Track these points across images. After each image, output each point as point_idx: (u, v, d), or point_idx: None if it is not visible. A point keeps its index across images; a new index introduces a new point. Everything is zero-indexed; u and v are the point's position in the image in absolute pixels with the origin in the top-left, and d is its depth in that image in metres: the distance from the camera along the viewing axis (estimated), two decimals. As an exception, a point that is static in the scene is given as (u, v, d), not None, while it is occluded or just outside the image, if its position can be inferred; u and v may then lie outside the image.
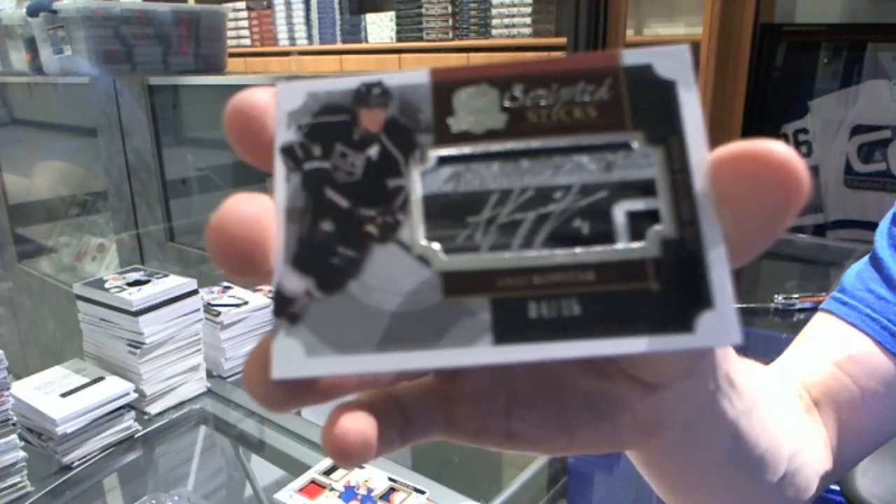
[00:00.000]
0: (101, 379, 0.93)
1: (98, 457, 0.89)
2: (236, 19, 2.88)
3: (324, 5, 2.62)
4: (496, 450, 0.20)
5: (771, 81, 1.48)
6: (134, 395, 0.92)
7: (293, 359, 0.15)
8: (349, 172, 0.16)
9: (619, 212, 0.15)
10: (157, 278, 1.00)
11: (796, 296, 1.06)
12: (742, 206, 0.14)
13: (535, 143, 0.16)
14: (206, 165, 1.71)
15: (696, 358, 0.20)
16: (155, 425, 0.96)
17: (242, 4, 2.88)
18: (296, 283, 0.15)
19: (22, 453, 0.79)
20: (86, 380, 0.93)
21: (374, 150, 0.16)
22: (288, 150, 0.16)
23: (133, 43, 1.55)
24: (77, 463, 0.87)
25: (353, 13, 2.61)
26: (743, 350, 0.20)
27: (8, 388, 0.77)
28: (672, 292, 0.14)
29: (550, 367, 0.20)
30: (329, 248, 0.15)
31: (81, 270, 1.72)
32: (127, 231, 1.60)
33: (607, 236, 0.15)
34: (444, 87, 0.16)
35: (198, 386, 1.02)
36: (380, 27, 2.48)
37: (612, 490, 1.03)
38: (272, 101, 0.16)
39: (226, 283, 1.19)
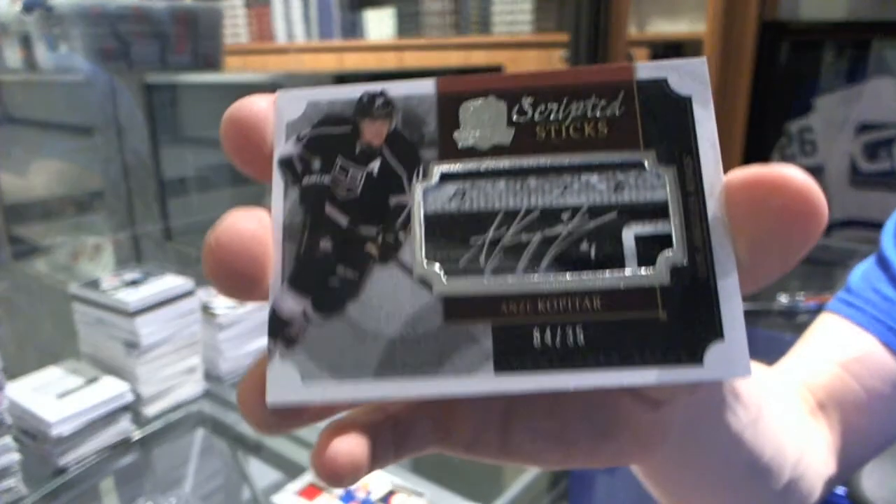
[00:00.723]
0: (97, 380, 0.92)
1: (94, 459, 0.88)
2: (234, 16, 2.87)
3: (322, 2, 2.61)
4: (492, 462, 0.20)
5: (775, 79, 1.47)
6: (131, 397, 0.91)
7: (289, 385, 0.14)
8: (349, 188, 0.15)
9: (629, 235, 0.15)
10: (154, 278, 1.00)
11: (800, 296, 1.06)
12: (757, 234, 0.14)
13: (542, 161, 0.15)
14: (204, 164, 1.70)
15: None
16: (152, 427, 0.95)
17: (240, 1, 2.87)
18: (292, 305, 0.15)
19: (17, 455, 0.79)
20: (82, 381, 0.92)
21: (375, 165, 0.15)
22: (286, 163, 0.16)
23: (129, 40, 1.54)
24: (73, 465, 0.86)
25: (352, 10, 2.60)
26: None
27: (3, 389, 0.76)
28: (681, 322, 0.14)
29: None
30: (327, 268, 0.15)
31: (77, 270, 1.71)
32: (124, 231, 1.59)
33: (616, 261, 0.14)
34: (450, 99, 0.15)
35: (195, 387, 1.02)
36: (379, 24, 2.47)
37: (613, 492, 1.02)
38: (270, 109, 0.16)
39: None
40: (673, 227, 0.14)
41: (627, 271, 0.14)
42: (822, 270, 1.20)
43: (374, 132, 0.16)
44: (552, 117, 0.15)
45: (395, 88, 0.16)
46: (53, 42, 1.52)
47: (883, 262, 0.38)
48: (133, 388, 0.93)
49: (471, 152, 0.15)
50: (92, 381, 0.92)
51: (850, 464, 0.35)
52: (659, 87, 0.15)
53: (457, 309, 0.15)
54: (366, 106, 0.16)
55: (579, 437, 0.19)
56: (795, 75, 1.48)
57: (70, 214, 1.85)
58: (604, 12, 1.22)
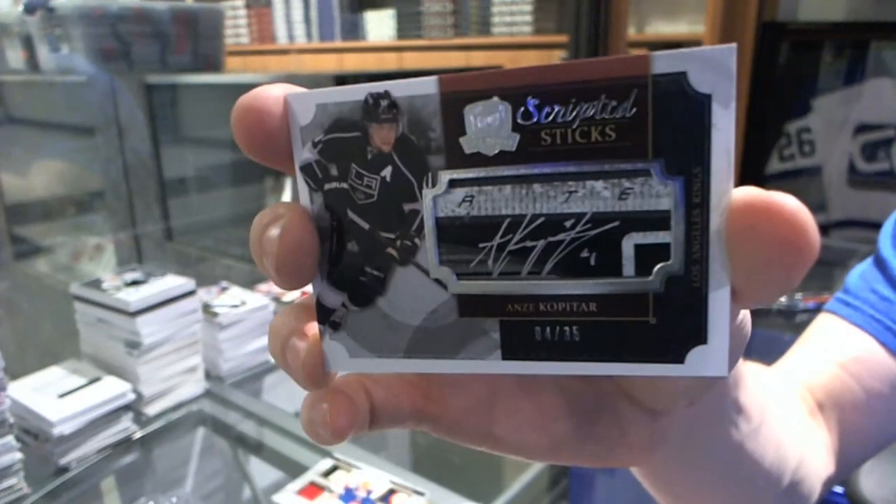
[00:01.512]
0: (98, 380, 0.93)
1: (95, 458, 0.88)
2: (234, 17, 2.87)
3: (323, 3, 2.61)
4: (478, 448, 0.21)
5: (774, 80, 1.47)
6: (132, 397, 0.92)
7: (340, 358, 0.18)
8: (367, 194, 0.16)
9: (629, 245, 0.15)
10: (155, 278, 1.00)
11: (799, 296, 1.06)
12: (748, 258, 0.14)
13: (547, 168, 0.15)
14: (205, 165, 1.71)
15: (702, 388, 0.19)
16: (153, 427, 0.95)
17: (241, 2, 2.87)
18: (333, 297, 0.17)
19: (18, 455, 0.79)
20: (83, 380, 0.93)
21: (388, 172, 0.16)
22: (307, 170, 0.17)
23: (130, 41, 1.54)
24: (74, 464, 0.86)
25: (352, 11, 2.60)
26: (745, 351, 0.19)
27: (4, 389, 0.77)
28: (669, 327, 0.15)
29: (546, 379, 0.20)
30: (357, 267, 0.17)
31: (79, 270, 1.71)
32: (124, 231, 1.59)
33: (613, 268, 0.15)
34: (454, 101, 0.15)
35: (196, 387, 1.02)
36: (379, 25, 2.47)
37: (613, 492, 1.02)
38: (281, 99, 0.16)
39: (224, 284, 1.18)
40: (673, 238, 0.15)
41: (623, 279, 0.15)
42: (820, 270, 1.20)
43: (382, 138, 0.16)
44: (559, 120, 0.15)
45: (399, 88, 0.16)
46: (55, 43, 1.52)
47: (880, 263, 0.38)
48: (134, 387, 0.93)
49: (477, 159, 0.15)
50: (93, 380, 0.93)
51: (848, 463, 0.35)
52: (676, 84, 0.14)
53: (469, 306, 0.16)
54: (371, 109, 0.16)
55: (565, 435, 0.20)
56: (794, 76, 1.48)
57: (71, 214, 1.85)
58: (603, 13, 1.22)
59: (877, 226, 0.40)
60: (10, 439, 0.78)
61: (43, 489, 0.82)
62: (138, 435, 0.93)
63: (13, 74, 1.72)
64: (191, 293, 1.00)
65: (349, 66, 2.46)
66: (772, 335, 0.98)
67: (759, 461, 0.25)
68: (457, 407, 0.20)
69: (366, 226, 0.17)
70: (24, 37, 1.63)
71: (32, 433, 0.86)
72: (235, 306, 1.08)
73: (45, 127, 1.79)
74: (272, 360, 1.12)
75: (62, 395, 0.89)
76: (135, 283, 0.98)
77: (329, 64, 2.52)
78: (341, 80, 1.37)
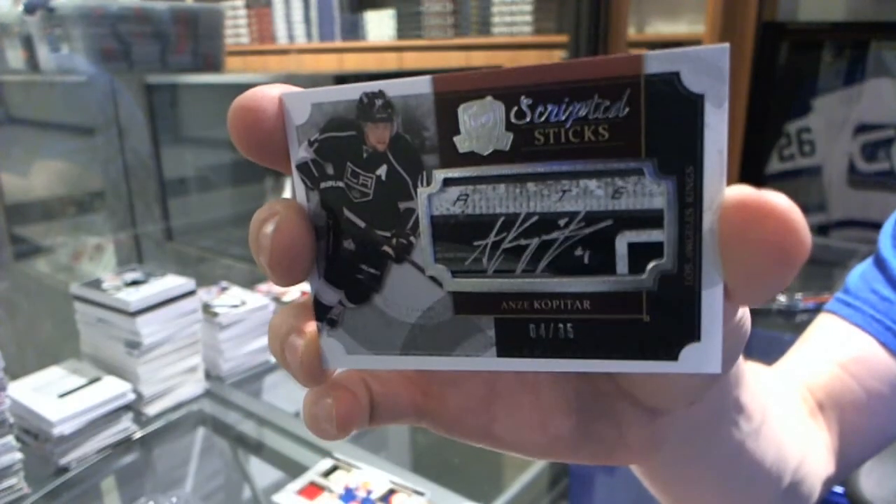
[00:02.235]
0: (98, 380, 0.93)
1: (95, 458, 0.88)
2: (234, 17, 2.87)
3: (323, 3, 2.61)
4: (477, 445, 0.21)
5: (774, 80, 1.47)
6: (132, 396, 0.92)
7: (337, 355, 0.18)
8: (362, 192, 0.17)
9: (622, 243, 0.15)
10: (155, 278, 1.00)
11: (799, 296, 1.06)
12: (740, 257, 0.14)
13: (541, 167, 0.15)
14: (205, 165, 1.71)
15: (701, 388, 0.19)
16: (153, 427, 0.95)
17: (241, 2, 2.87)
18: (330, 295, 0.17)
19: (19, 455, 0.79)
20: (83, 380, 0.93)
21: (383, 171, 0.16)
22: (304, 168, 0.17)
23: (130, 41, 1.54)
24: (74, 464, 0.86)
25: (352, 11, 2.60)
26: (745, 351, 0.19)
27: (4, 389, 0.77)
28: (662, 325, 0.15)
29: (545, 378, 0.20)
30: (353, 264, 0.17)
31: (79, 270, 1.71)
32: (124, 231, 1.59)
33: (607, 267, 0.15)
34: (448, 100, 0.15)
35: (196, 387, 1.02)
36: (379, 25, 2.47)
37: (613, 492, 1.02)
38: (277, 99, 0.16)
39: (224, 284, 1.18)
40: (666, 237, 0.15)
41: (617, 277, 0.15)
42: (820, 271, 1.20)
43: (377, 137, 0.16)
44: (552, 119, 0.15)
45: (393, 88, 0.16)
46: (55, 43, 1.52)
47: (880, 263, 0.38)
48: (134, 387, 0.93)
49: (471, 158, 0.15)
50: (93, 380, 0.93)
51: (848, 463, 0.35)
52: (669, 84, 0.14)
53: (464, 304, 0.16)
54: (366, 108, 0.16)
55: (564, 433, 0.20)
56: (794, 76, 1.48)
57: (71, 214, 1.85)
58: (603, 13, 1.22)
59: (877, 226, 0.40)
60: (10, 439, 0.78)
61: (43, 489, 0.82)
62: (138, 435, 0.93)
63: (13, 74, 1.72)
64: (191, 293, 1.00)
65: (349, 66, 2.46)
66: (772, 335, 0.98)
67: (760, 461, 0.25)
68: (456, 404, 0.20)
69: (362, 224, 0.17)
70: (24, 37, 1.63)
71: (32, 433, 0.86)
72: (235, 306, 1.08)
73: (45, 127, 1.79)
74: (272, 360, 1.13)
75: (62, 395, 0.89)
76: (135, 283, 0.98)
77: (329, 64, 2.52)
78: (341, 80, 1.37)
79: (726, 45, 0.14)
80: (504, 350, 0.16)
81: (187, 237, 1.62)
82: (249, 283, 1.24)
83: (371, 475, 0.81)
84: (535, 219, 0.15)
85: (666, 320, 0.15)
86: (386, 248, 0.17)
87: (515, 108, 0.15)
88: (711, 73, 0.14)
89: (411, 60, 2.26)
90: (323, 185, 0.17)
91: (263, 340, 1.10)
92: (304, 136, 0.16)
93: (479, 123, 0.15)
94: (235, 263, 1.50)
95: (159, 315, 0.95)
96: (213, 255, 1.58)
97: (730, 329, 0.16)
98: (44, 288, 1.67)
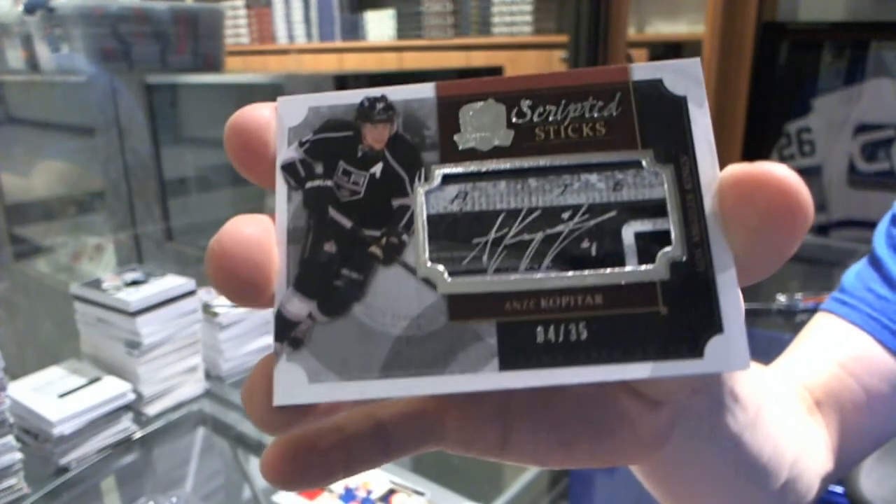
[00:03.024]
0: (98, 380, 0.93)
1: (95, 458, 0.88)
2: (235, 17, 2.87)
3: (323, 3, 2.61)
4: (494, 460, 0.20)
5: (774, 80, 1.47)
6: (132, 397, 0.92)
7: (295, 385, 0.15)
8: (352, 191, 0.16)
9: (628, 233, 0.15)
10: (155, 278, 1.00)
11: (799, 296, 1.06)
12: (745, 229, 0.14)
13: (542, 161, 0.15)
14: (205, 165, 1.71)
15: (704, 378, 0.19)
16: (153, 427, 0.95)
17: (241, 2, 2.87)
18: (298, 307, 0.15)
19: (18, 455, 0.79)
20: (83, 380, 0.93)
21: (378, 168, 0.16)
22: (289, 168, 0.16)
23: (130, 41, 1.54)
24: (74, 464, 0.86)
25: (352, 11, 2.60)
26: None
27: (4, 389, 0.77)
28: (681, 316, 0.14)
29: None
30: (332, 270, 0.15)
31: (79, 270, 1.71)
32: (124, 231, 1.59)
33: (616, 258, 0.15)
34: (450, 103, 0.16)
35: (196, 387, 1.02)
36: (379, 25, 2.47)
37: (613, 492, 1.02)
38: (273, 117, 0.16)
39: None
40: (671, 223, 0.15)
41: (628, 268, 0.15)
42: (820, 270, 1.20)
43: (375, 136, 0.16)
44: (551, 119, 0.15)
45: (396, 93, 0.16)
46: (55, 43, 1.52)
47: (876, 262, 0.38)
48: (134, 387, 0.93)
49: (471, 154, 0.15)
50: (93, 380, 0.93)
51: (846, 461, 0.35)
52: (654, 88, 0.15)
53: (461, 308, 0.15)
54: (367, 110, 0.16)
55: (579, 436, 0.20)
56: (794, 76, 1.48)
57: (71, 215, 1.85)
58: (603, 13, 1.22)
59: (876, 226, 0.40)
60: (10, 439, 0.78)
61: (43, 489, 0.82)
62: (138, 435, 0.93)
63: (13, 74, 1.72)
64: (191, 293, 1.00)
65: (349, 66, 2.46)
66: (772, 335, 0.98)
67: (757, 455, 0.25)
68: (474, 419, 0.19)
69: (348, 224, 0.16)
70: (24, 37, 1.63)
71: (32, 433, 0.86)
72: (235, 306, 1.08)
73: (45, 127, 1.79)
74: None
75: (62, 395, 0.89)
76: (135, 283, 0.98)
77: (329, 64, 2.52)
78: (341, 80, 1.37)
79: (697, 59, 0.16)
80: (508, 361, 0.14)
81: (187, 237, 1.62)
82: (249, 283, 1.24)
83: (371, 475, 0.81)
84: (538, 213, 0.15)
85: (685, 311, 0.14)
86: (374, 248, 0.15)
87: (516, 109, 0.16)
88: (689, 79, 0.15)
89: (411, 60, 2.26)
90: (308, 184, 0.16)
91: (263, 340, 1.10)
92: (295, 137, 0.16)
93: (481, 121, 0.16)
94: (235, 263, 1.50)
95: (159, 315, 0.95)
96: (213, 255, 1.58)
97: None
98: (44, 288, 1.67)
